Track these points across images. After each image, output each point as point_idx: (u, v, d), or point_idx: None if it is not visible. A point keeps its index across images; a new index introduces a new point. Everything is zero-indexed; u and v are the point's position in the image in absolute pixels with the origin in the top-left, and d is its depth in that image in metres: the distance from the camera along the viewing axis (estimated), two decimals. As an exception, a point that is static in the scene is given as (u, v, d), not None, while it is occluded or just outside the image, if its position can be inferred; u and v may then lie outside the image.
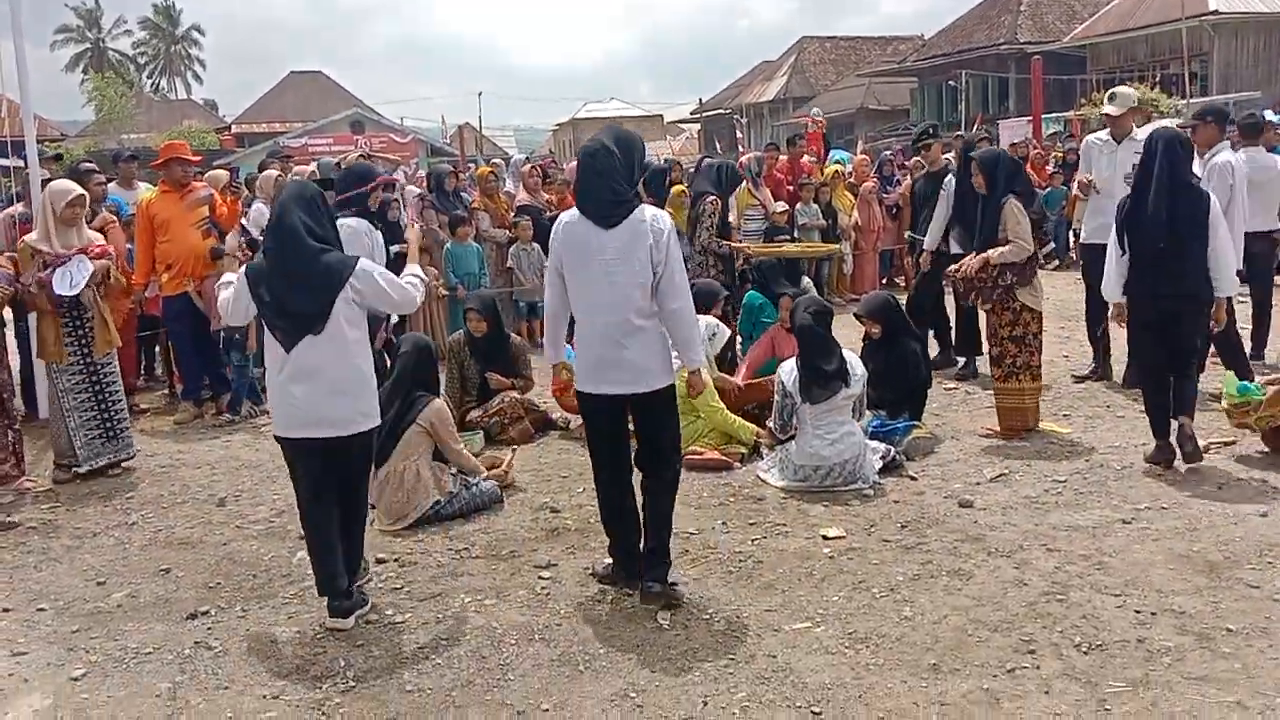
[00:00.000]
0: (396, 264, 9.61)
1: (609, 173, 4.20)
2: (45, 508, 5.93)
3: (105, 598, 4.65)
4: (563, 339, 4.58)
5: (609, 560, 4.60)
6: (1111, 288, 5.94)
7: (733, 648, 3.92)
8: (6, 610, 4.55)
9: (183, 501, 6.00)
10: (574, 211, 4.31)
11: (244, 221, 8.79)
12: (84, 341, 6.37)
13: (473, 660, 3.92)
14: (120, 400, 6.56)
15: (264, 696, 3.71)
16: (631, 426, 4.44)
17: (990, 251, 6.32)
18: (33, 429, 7.15)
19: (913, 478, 5.84)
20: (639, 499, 4.46)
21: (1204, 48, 27.69)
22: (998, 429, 6.61)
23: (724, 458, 6.17)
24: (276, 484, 6.17)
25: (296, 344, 4.17)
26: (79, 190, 6.40)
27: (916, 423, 6.43)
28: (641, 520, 4.44)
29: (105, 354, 6.45)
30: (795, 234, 12.23)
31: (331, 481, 4.30)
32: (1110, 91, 8.17)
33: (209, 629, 4.27)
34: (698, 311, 6.97)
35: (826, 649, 3.89)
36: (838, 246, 8.30)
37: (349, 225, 6.60)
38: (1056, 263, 13.82)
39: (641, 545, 4.43)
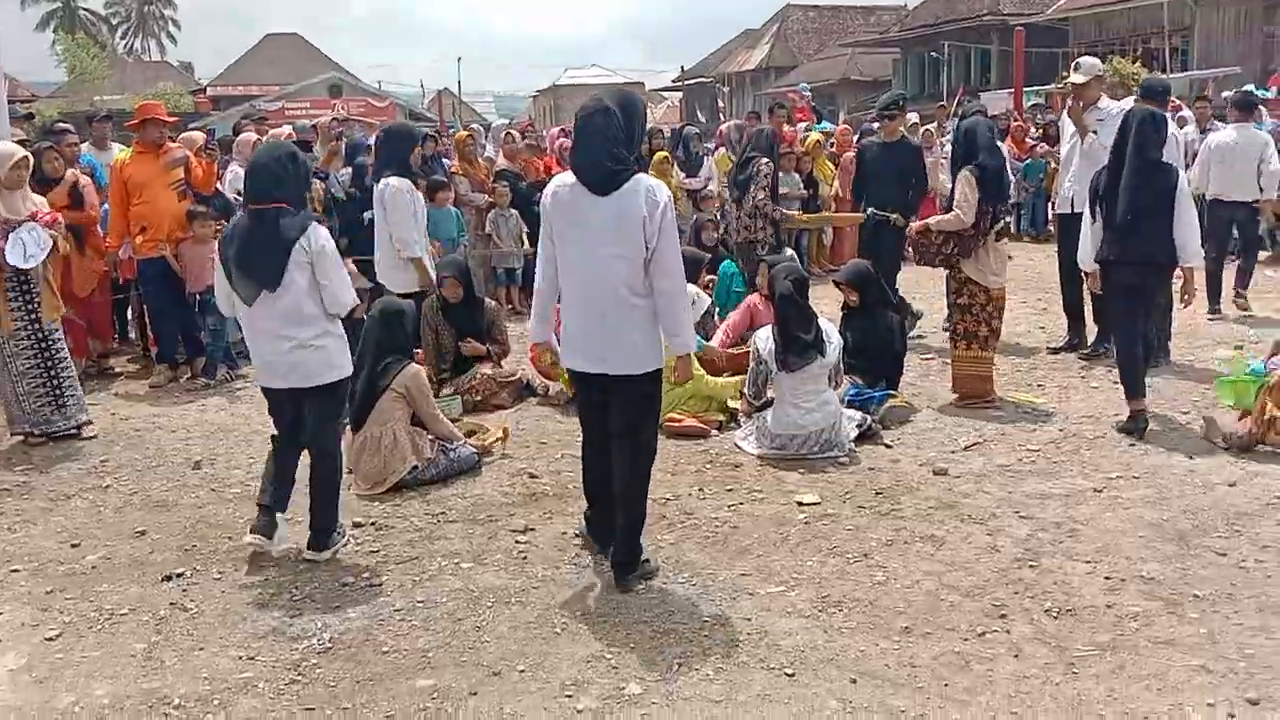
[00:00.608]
0: (370, 228, 9.60)
1: (609, 135, 3.95)
2: (19, 470, 5.89)
3: (80, 559, 4.63)
4: (551, 314, 4.33)
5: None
6: (1086, 255, 6.22)
7: (707, 612, 3.95)
8: (-20, 571, 4.53)
9: (158, 465, 5.96)
10: (567, 176, 4.08)
11: (221, 185, 8.71)
12: (30, 308, 6.21)
13: (449, 622, 3.93)
14: (68, 369, 6.40)
15: (240, 657, 3.71)
16: None
17: (931, 219, 6.43)
18: None
19: (888, 446, 5.88)
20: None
21: (1185, 22, 27.71)
22: (955, 395, 6.72)
23: (702, 425, 6.19)
24: (252, 447, 6.15)
25: (255, 300, 4.34)
26: (22, 153, 6.32)
27: (893, 392, 6.47)
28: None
29: (53, 320, 6.30)
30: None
31: (300, 428, 4.57)
32: (1075, 61, 8.28)
33: (184, 591, 4.27)
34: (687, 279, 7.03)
35: (800, 612, 3.93)
36: (863, 216, 8.29)
37: (392, 185, 6.65)
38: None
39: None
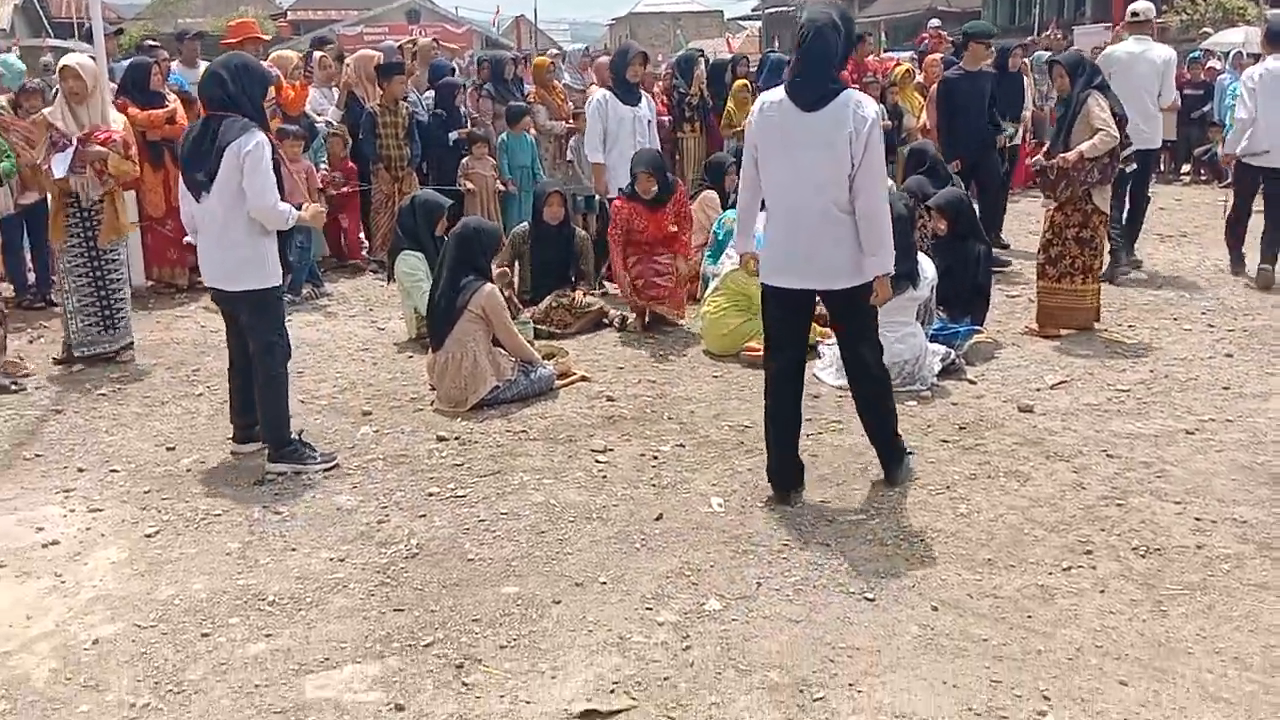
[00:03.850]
0: (453, 152, 9.64)
1: (829, 54, 3.94)
2: (114, 377, 6.08)
3: (175, 462, 4.79)
4: (752, 229, 4.32)
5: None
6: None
7: (786, 534, 3.96)
8: (81, 470, 4.71)
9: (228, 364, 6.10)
10: (774, 93, 4.07)
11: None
12: (87, 227, 6.11)
13: (531, 534, 4.00)
14: (121, 292, 6.31)
15: (331, 559, 3.82)
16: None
17: (1084, 144, 6.21)
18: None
19: (972, 382, 5.79)
20: (860, 408, 4.34)
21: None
22: (1038, 328, 6.65)
23: (781, 354, 6.14)
24: (338, 362, 6.28)
25: (199, 200, 4.53)
26: (66, 63, 6.10)
27: (978, 328, 6.35)
28: (799, 432, 4.32)
29: (111, 243, 6.20)
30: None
31: (236, 331, 4.80)
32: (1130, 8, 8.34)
33: (276, 495, 4.40)
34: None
35: (880, 540, 3.92)
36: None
37: None
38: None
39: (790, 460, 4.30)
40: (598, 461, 4.71)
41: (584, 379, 5.93)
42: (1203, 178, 13.90)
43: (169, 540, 4.00)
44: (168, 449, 4.96)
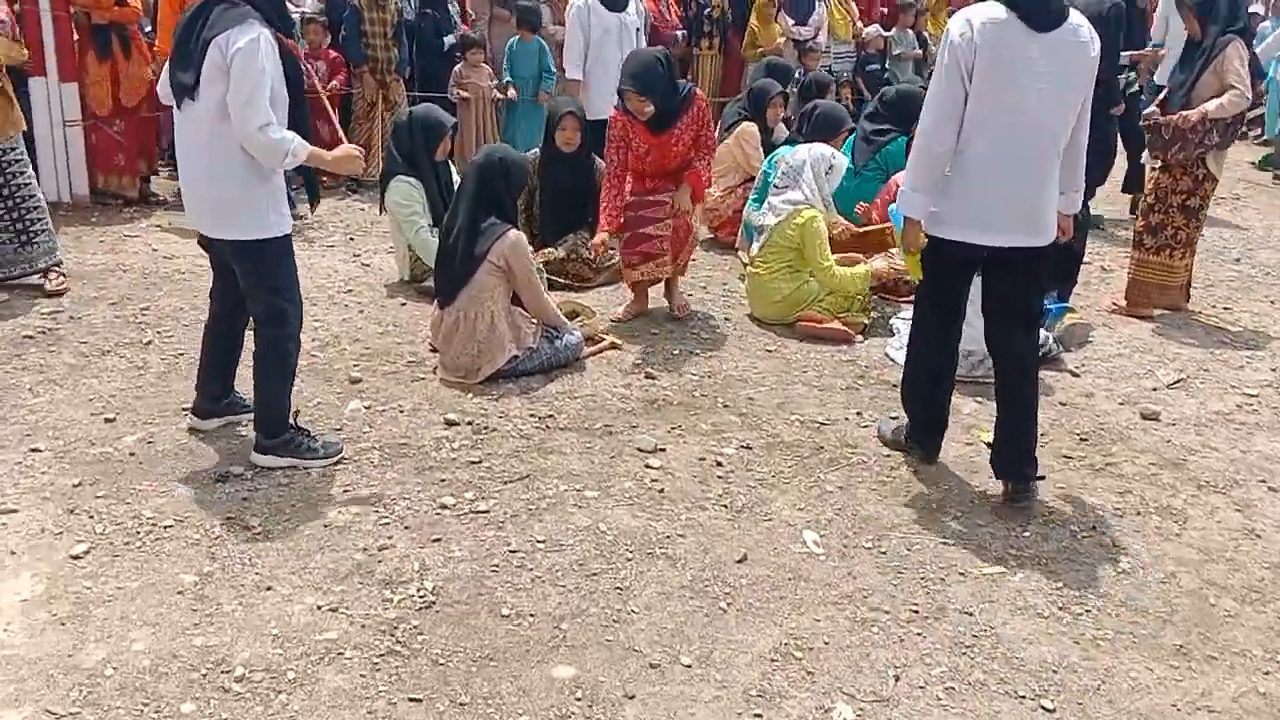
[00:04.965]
0: (444, 59, 8.47)
1: None
2: (46, 313, 5.01)
3: (115, 441, 3.79)
4: (935, 184, 3.48)
5: (898, 423, 4.04)
6: None
7: (911, 593, 3.08)
8: (-7, 445, 3.70)
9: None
10: (990, 8, 3.34)
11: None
12: None
13: (580, 576, 3.08)
14: (34, 198, 5.22)
15: (319, 607, 2.87)
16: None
17: (1210, 104, 5.24)
18: None
19: (1074, 374, 4.91)
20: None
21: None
22: (1123, 304, 5.88)
23: (845, 329, 5.22)
24: (317, 308, 5.24)
25: (181, 104, 3.43)
26: None
27: (1070, 305, 5.46)
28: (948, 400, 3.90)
29: (7, 139, 5.08)
30: (887, 64, 10.95)
31: (224, 275, 3.71)
32: None
33: (245, 499, 3.42)
34: (819, 138, 5.88)
35: (1035, 609, 3.04)
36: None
37: None
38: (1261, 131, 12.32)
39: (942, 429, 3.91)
40: (648, 467, 3.78)
41: (614, 346, 4.97)
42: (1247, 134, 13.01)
43: (102, 565, 3.03)
44: (106, 420, 3.94)
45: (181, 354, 4.63)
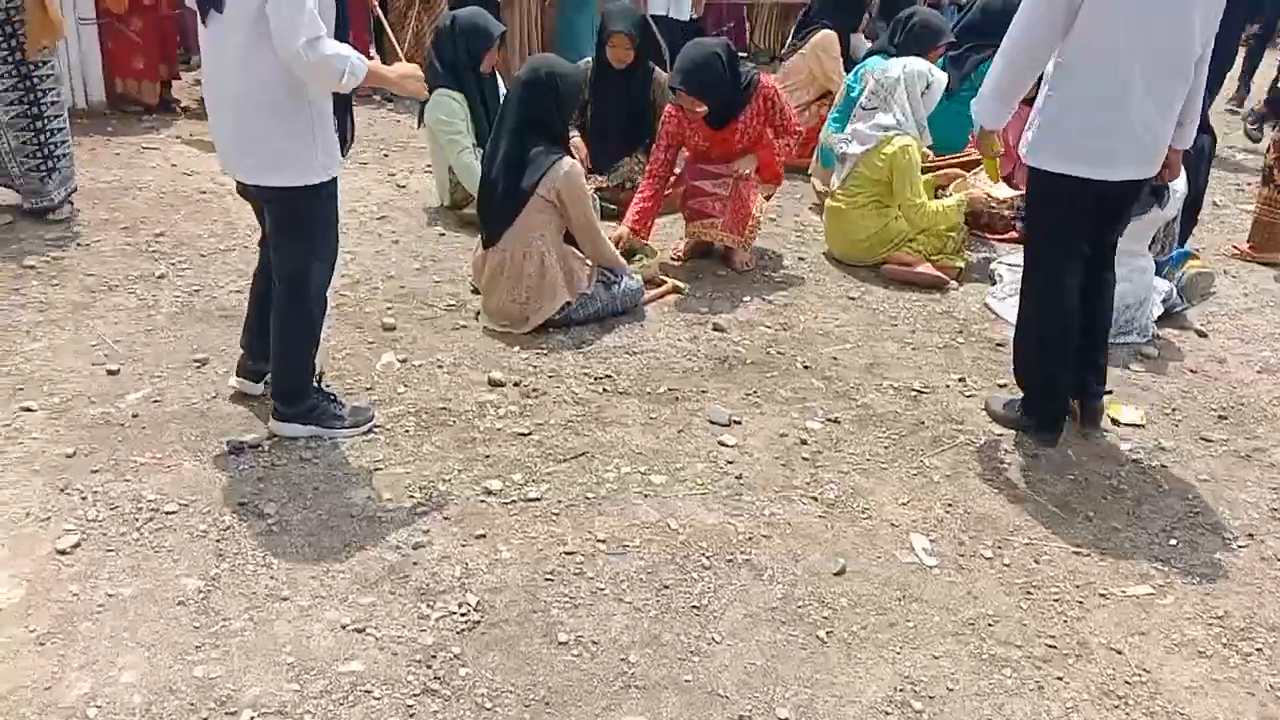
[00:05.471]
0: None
1: None
2: (52, 239, 4.54)
3: (117, 399, 3.33)
4: (1018, 98, 3.18)
5: (1009, 395, 3.56)
6: None
7: (1046, 622, 2.58)
8: (-20, 401, 3.26)
9: (228, 248, 4.59)
10: None
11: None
12: (11, 35, 4.36)
13: (650, 590, 2.60)
14: (60, 118, 4.61)
15: (343, 626, 2.42)
16: None
17: None
18: None
19: (1201, 333, 4.33)
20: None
21: None
22: (1247, 247, 5.31)
23: (938, 273, 4.63)
24: (348, 236, 4.64)
25: (207, 18, 2.79)
26: None
27: (1191, 250, 4.82)
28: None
29: (40, 53, 4.43)
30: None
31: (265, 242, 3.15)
32: None
33: (260, 480, 2.95)
34: (914, 52, 5.16)
35: (1194, 645, 2.54)
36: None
37: None
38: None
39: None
40: (723, 445, 3.28)
41: (676, 290, 4.43)
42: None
43: (93, 563, 2.59)
44: (109, 372, 3.48)
45: (196, 290, 4.15)
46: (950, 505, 3.03)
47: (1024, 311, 3.37)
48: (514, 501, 2.92)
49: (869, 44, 6.22)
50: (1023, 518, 3.00)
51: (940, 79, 4.76)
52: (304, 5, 2.60)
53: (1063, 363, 3.29)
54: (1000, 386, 3.74)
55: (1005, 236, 5.21)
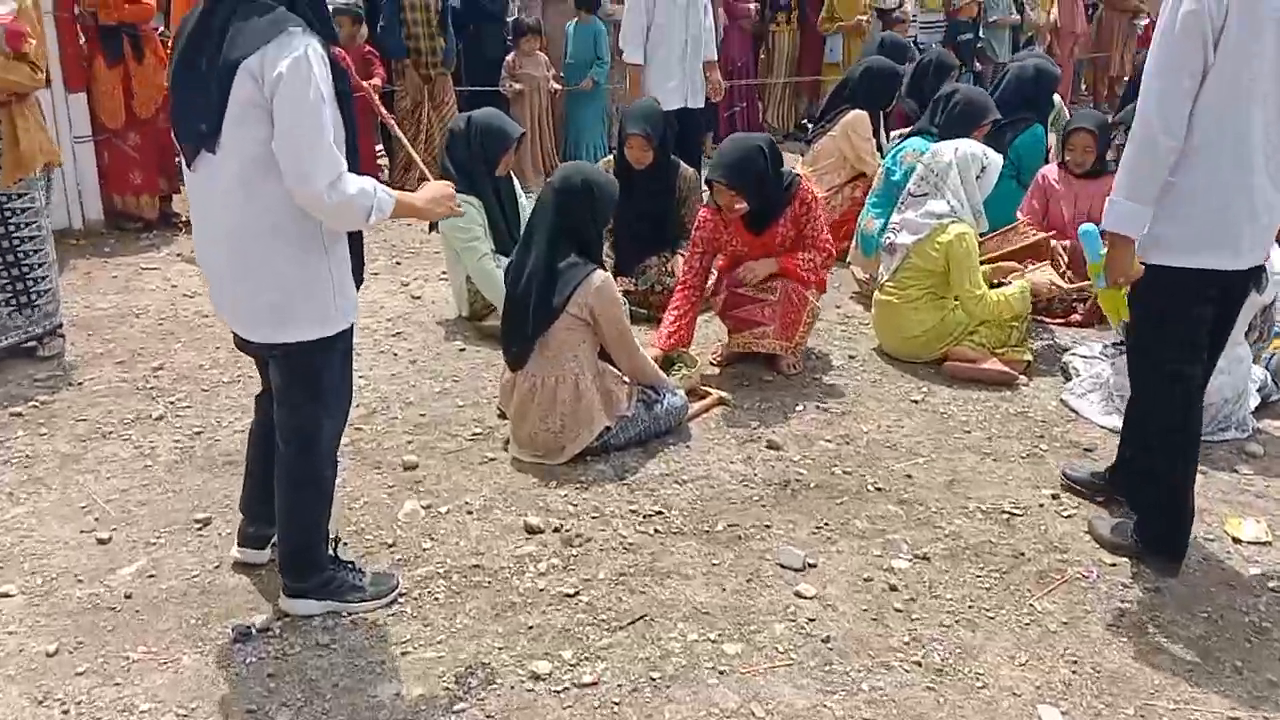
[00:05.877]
0: (492, 67, 7.53)
1: None
2: (42, 380, 4.19)
3: (108, 574, 2.93)
4: (1162, 177, 2.69)
5: (1119, 519, 3.15)
6: None
7: (1220, 822, 2.13)
8: (-49, 584, 2.87)
9: (232, 379, 4.23)
10: None
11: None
12: None
13: (739, 803, 2.17)
14: (41, 252, 4.28)
15: None
16: None
17: None
18: None
19: (1306, 425, 3.92)
20: None
21: None
22: None
23: (1005, 369, 4.24)
24: (362, 358, 4.34)
25: (194, 161, 2.46)
26: None
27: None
28: None
29: (13, 185, 4.14)
30: (981, 33, 9.86)
31: (266, 395, 2.78)
32: None
33: (270, 675, 2.53)
34: (958, 133, 4.82)
35: None
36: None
37: None
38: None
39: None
40: (800, 597, 2.85)
41: (722, 402, 4.04)
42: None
43: (74, 796, 2.17)
44: (99, 541, 3.09)
45: (198, 432, 3.78)
46: (1075, 663, 2.59)
47: (1132, 426, 2.99)
48: (566, 689, 2.49)
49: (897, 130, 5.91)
50: (1162, 674, 2.56)
51: (996, 160, 4.40)
52: (321, 138, 2.27)
53: (1189, 475, 2.88)
54: (1098, 503, 3.32)
55: (1067, 320, 4.83)
